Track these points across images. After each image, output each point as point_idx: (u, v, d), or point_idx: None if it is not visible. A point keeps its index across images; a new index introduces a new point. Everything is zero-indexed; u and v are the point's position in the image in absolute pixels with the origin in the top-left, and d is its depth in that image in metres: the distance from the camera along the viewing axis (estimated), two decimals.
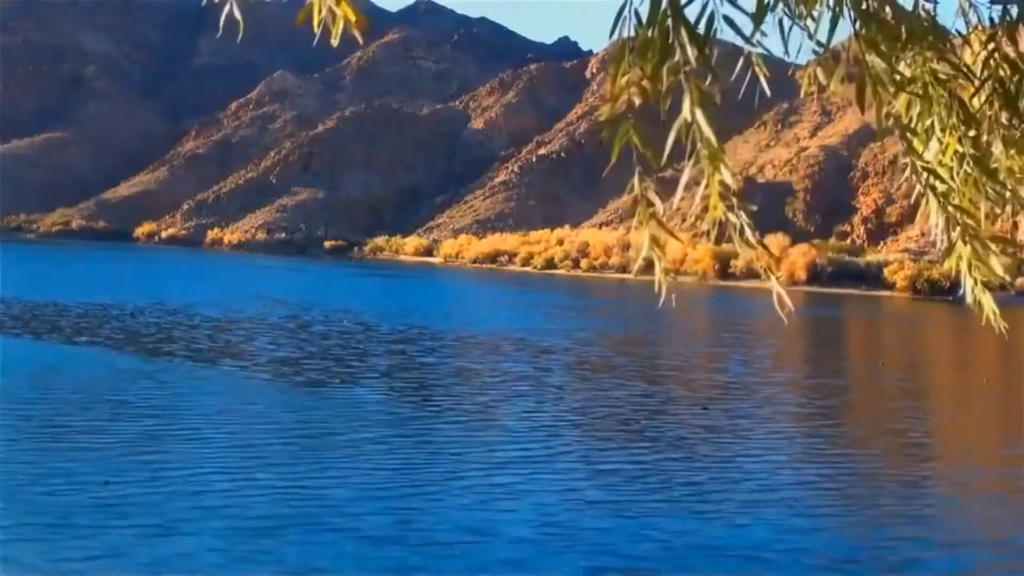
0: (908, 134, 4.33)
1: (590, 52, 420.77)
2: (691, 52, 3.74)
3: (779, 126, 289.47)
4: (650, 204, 3.95)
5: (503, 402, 38.27)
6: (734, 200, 3.84)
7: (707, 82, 3.81)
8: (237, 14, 3.90)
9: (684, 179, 3.82)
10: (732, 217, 3.86)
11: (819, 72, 4.32)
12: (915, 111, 4.45)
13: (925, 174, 4.38)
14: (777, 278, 4.06)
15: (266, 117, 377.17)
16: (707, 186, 3.82)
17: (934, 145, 4.42)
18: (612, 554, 19.69)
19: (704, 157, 3.78)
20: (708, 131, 3.76)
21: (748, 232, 3.87)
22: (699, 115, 3.76)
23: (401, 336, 62.69)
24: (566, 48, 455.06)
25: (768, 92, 4.20)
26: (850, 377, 55.06)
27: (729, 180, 3.82)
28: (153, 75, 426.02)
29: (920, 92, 4.36)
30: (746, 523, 22.07)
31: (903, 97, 4.33)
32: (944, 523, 23.47)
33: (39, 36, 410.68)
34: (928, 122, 4.43)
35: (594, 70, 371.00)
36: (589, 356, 56.47)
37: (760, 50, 3.96)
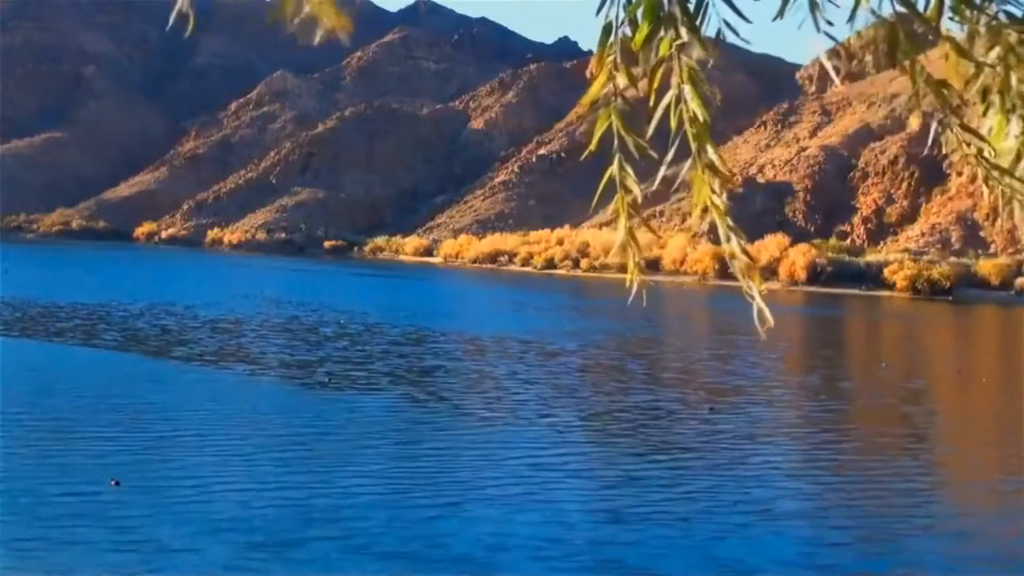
0: (955, 102, 3.67)
1: (590, 52, 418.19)
2: (682, 25, 3.47)
3: (779, 126, 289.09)
4: (628, 191, 3.65)
5: (514, 407, 38.24)
6: (718, 189, 3.51)
7: (695, 57, 3.52)
8: (185, 7, 3.70)
9: (668, 159, 3.48)
10: (718, 201, 3.54)
11: (855, 41, 3.78)
12: (990, 88, 3.87)
13: (974, 149, 3.79)
14: (761, 293, 3.68)
15: (266, 117, 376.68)
16: (691, 167, 3.49)
17: (1015, 125, 3.92)
18: (623, 564, 19.74)
19: (691, 136, 3.46)
20: (696, 106, 3.45)
21: (734, 238, 3.58)
22: (687, 90, 3.47)
23: (407, 338, 62.70)
24: (566, 48, 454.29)
25: (838, 81, 3.85)
26: (853, 379, 55.09)
27: (715, 160, 3.49)
28: (153, 75, 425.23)
29: (1004, 55, 3.74)
30: (759, 534, 22.09)
31: (984, 74, 3.73)
32: (949, 530, 23.53)
33: (39, 36, 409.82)
34: (1012, 97, 3.88)
35: (594, 70, 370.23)
36: (597, 358, 56.50)
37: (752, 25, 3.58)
